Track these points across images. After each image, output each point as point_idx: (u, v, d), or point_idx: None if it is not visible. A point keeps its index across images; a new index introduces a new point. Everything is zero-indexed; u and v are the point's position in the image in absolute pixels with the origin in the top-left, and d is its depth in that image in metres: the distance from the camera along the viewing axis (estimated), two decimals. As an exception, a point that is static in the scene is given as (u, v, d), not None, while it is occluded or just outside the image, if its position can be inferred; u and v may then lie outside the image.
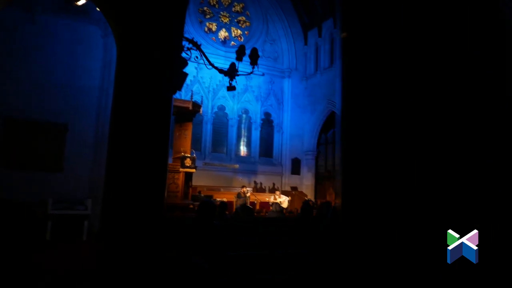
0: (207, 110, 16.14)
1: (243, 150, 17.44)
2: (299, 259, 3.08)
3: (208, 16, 17.43)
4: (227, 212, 7.09)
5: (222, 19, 17.69)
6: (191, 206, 9.17)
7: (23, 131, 9.45)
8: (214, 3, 17.67)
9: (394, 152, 3.57)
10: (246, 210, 7.28)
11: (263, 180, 17.21)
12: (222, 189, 15.11)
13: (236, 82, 5.69)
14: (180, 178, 8.79)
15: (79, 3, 8.13)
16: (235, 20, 18.03)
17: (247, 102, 17.45)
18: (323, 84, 17.12)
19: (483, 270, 3.07)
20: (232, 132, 17.03)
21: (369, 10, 4.02)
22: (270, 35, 18.19)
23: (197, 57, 5.09)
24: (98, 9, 5.12)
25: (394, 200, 3.49)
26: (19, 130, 9.46)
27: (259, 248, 3.51)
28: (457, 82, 3.83)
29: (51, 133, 9.62)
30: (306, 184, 17.76)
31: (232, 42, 17.72)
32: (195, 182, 11.66)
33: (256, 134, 17.56)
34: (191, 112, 8.93)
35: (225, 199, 12.58)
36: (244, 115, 17.45)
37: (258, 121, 17.60)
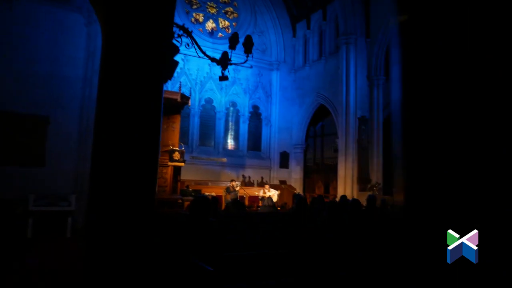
0: (194, 103, 15.80)
1: (231, 143, 17.20)
2: (307, 259, 2.89)
3: (195, 6, 17.01)
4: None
5: (209, 9, 17.31)
6: (180, 201, 8.91)
7: (1, 123, 8.99)
8: (201, -7, 17.28)
9: (462, 147, 3.30)
10: (238, 205, 7.09)
11: (252, 174, 17.04)
12: (210, 183, 14.88)
13: (228, 71, 5.45)
14: (169, 172, 8.52)
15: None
16: (223, 11, 17.67)
17: (235, 94, 17.18)
18: (312, 77, 16.98)
19: (483, 270, 2.98)
20: (220, 125, 16.76)
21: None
22: (258, 26, 17.90)
23: (188, 44, 4.83)
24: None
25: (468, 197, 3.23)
26: (-3, 123, 8.99)
27: (259, 247, 3.32)
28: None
29: (32, 126, 9.18)
30: (295, 177, 17.67)
31: (220, 34, 17.38)
32: (183, 176, 11.38)
33: (244, 127, 17.33)
34: (179, 104, 8.64)
35: (213, 194, 12.38)
36: (232, 108, 17.19)
37: (246, 114, 17.36)
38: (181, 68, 15.13)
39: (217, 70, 16.44)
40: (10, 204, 7.99)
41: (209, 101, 16.64)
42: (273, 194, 13.00)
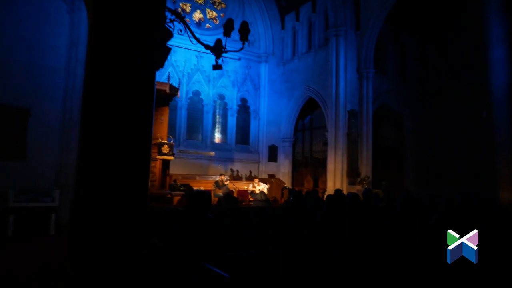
0: (182, 95, 15.43)
1: (219, 137, 16.92)
2: (313, 258, 2.71)
3: (181, -4, 16.57)
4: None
5: (197, 0, 16.89)
6: (169, 196, 8.64)
7: (-21, 115, 8.51)
8: (188, -18, 16.83)
9: None
10: (230, 200, 6.86)
11: (240, 168, 16.82)
12: (197, 177, 14.59)
13: (222, 60, 5.19)
14: (157, 166, 8.22)
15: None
16: (210, 1, 17.28)
17: (223, 87, 16.87)
18: (301, 70, 16.80)
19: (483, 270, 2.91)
20: (208, 118, 16.46)
21: None
22: (246, 18, 17.53)
23: (180, 30, 4.55)
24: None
25: None
26: (-25, 115, 8.50)
27: (259, 245, 3.12)
28: None
29: (12, 118, 8.71)
30: (283, 171, 17.53)
31: (207, 25, 17.01)
32: (170, 170, 11.09)
33: (232, 121, 17.07)
34: (168, 96, 8.32)
35: (202, 188, 12.12)
36: (220, 101, 16.89)
37: (235, 107, 17.09)
38: (167, 60, 14.71)
39: (205, 62, 16.20)
40: (-12, 200, 7.57)
41: (196, 93, 16.29)
42: (263, 188, 12.83)
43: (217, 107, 16.81)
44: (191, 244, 2.49)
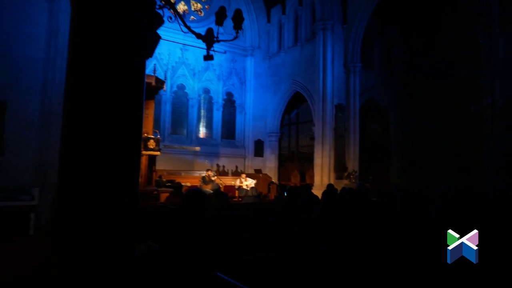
0: (166, 89, 14.97)
1: (204, 132, 16.62)
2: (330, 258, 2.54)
3: (165, -13, 16.08)
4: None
5: (181, -9, 16.47)
6: (155, 193, 8.35)
7: (-50, 109, 7.99)
8: (172, -27, 16.35)
9: None
10: (220, 196, 6.63)
11: (226, 163, 16.58)
12: (183, 173, 14.28)
13: (213, 50, 4.93)
14: (143, 162, 7.91)
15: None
16: (195, -7, 16.87)
17: (208, 81, 16.54)
18: (287, 64, 16.62)
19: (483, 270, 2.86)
20: (193, 112, 16.12)
21: None
22: (232, 10, 17.16)
23: (170, 17, 4.28)
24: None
25: None
26: None
27: (264, 246, 2.93)
28: None
29: (-14, 112, 8.24)
30: (269, 166, 17.37)
31: (192, 17, 16.61)
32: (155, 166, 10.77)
33: (218, 115, 16.78)
34: (153, 89, 8.01)
35: (188, 184, 11.84)
36: (205, 95, 16.57)
37: (220, 101, 16.80)
38: (151, 52, 14.28)
39: (189, 55, 15.83)
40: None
41: (181, 87, 15.92)
42: (250, 183, 12.64)
43: (202, 101, 16.48)
44: (195, 249, 2.26)
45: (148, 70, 11.28)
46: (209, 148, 16.20)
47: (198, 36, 4.48)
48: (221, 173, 15.72)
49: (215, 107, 16.73)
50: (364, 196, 5.70)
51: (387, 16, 15.90)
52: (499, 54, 9.67)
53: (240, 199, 10.33)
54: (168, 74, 15.19)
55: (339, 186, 10.81)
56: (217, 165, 16.16)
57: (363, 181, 9.26)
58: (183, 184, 10.06)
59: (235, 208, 5.77)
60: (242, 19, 4.63)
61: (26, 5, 8.62)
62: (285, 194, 5.75)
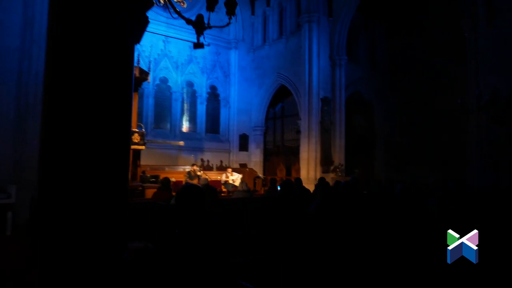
0: (147, 83, 14.58)
1: (188, 126, 16.27)
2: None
3: (146, -23, 15.57)
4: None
5: (162, -19, 15.97)
6: (140, 189, 8.04)
7: None
8: (153, -38, 15.83)
9: None
10: (210, 192, 6.40)
11: (210, 157, 16.28)
12: (167, 168, 13.91)
13: (204, 38, 4.66)
14: (127, 156, 7.58)
15: None
16: (177, -17, 16.39)
17: (191, 74, 16.16)
18: (272, 57, 16.40)
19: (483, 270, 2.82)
20: (176, 106, 15.73)
21: None
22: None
23: (160, 0, 4.00)
24: None
25: None
26: None
27: (264, 245, 2.73)
28: None
29: (-43, 105, 7.70)
30: (255, 160, 17.19)
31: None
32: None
33: (202, 109, 16.45)
34: (137, 80, 7.67)
35: (173, 179, 11.52)
36: (188, 88, 16.19)
37: (204, 95, 16.47)
38: (132, 44, 13.81)
39: (172, 47, 15.40)
40: None
41: (164, 80, 15.49)
42: (236, 178, 12.43)
43: (186, 94, 16.11)
44: (204, 252, 2.04)
45: (131, 61, 10.87)
46: (193, 143, 15.87)
47: (189, 21, 4.21)
48: (206, 168, 15.42)
49: (199, 101, 16.40)
50: (360, 190, 5.58)
51: (372, 10, 15.89)
52: (485, 47, 9.73)
53: (230, 194, 10.11)
54: (151, 66, 14.74)
55: (326, 179, 10.73)
56: (202, 160, 15.85)
57: (355, 176, 9.19)
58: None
59: (226, 204, 5.55)
60: (235, 4, 4.38)
61: (-2, -10, 8.10)
62: (279, 188, 5.57)
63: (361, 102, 16.53)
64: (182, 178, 11.81)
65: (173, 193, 6.08)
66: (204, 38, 4.67)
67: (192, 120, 16.32)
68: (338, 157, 14.13)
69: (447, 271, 2.87)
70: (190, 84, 16.20)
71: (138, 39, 3.75)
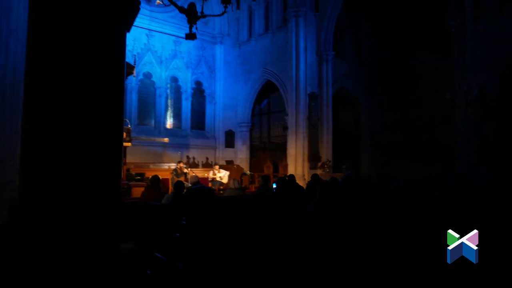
0: (131, 78, 14.17)
1: (173, 122, 15.91)
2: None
3: (128, -32, 15.09)
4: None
5: (145, -27, 15.51)
6: (126, 187, 7.74)
7: None
8: (135, -47, 15.35)
9: None
10: (209, 193, 6.17)
11: (196, 154, 16.01)
12: (151, 166, 13.56)
13: (196, 28, 4.43)
14: (112, 154, 7.26)
15: None
16: (160, -24, 15.96)
17: (176, 69, 15.79)
18: (258, 52, 16.19)
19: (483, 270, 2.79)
20: (161, 102, 15.36)
21: None
22: (200, -5, 16.49)
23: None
24: None
25: None
26: None
27: (270, 248, 2.56)
28: None
29: None
30: (241, 157, 17.00)
31: (158, 1, 15.71)
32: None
33: (187, 105, 16.12)
34: (122, 74, 7.33)
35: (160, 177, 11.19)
36: (173, 84, 15.82)
37: (189, 90, 16.13)
38: (115, 37, 13.36)
39: (156, 41, 14.99)
40: None
41: (148, 75, 15.08)
42: (224, 175, 12.19)
43: (170, 90, 15.73)
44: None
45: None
46: (178, 139, 15.53)
47: (181, 10, 3.98)
48: (192, 165, 15.14)
49: (183, 97, 16.05)
50: (357, 186, 5.46)
51: (358, 6, 15.86)
52: (472, 42, 9.77)
53: (221, 192, 9.87)
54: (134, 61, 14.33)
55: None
56: (187, 157, 15.56)
57: (350, 172, 9.10)
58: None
59: (220, 202, 5.33)
60: (231, -7, 4.15)
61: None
62: (274, 185, 5.39)
63: (347, 98, 16.52)
64: (168, 176, 11.49)
65: (163, 191, 5.83)
66: (196, 28, 4.43)
67: (177, 116, 15.97)
68: (326, 153, 14.07)
69: (447, 271, 2.81)
70: (174, 80, 15.84)
71: (129, 26, 3.51)
